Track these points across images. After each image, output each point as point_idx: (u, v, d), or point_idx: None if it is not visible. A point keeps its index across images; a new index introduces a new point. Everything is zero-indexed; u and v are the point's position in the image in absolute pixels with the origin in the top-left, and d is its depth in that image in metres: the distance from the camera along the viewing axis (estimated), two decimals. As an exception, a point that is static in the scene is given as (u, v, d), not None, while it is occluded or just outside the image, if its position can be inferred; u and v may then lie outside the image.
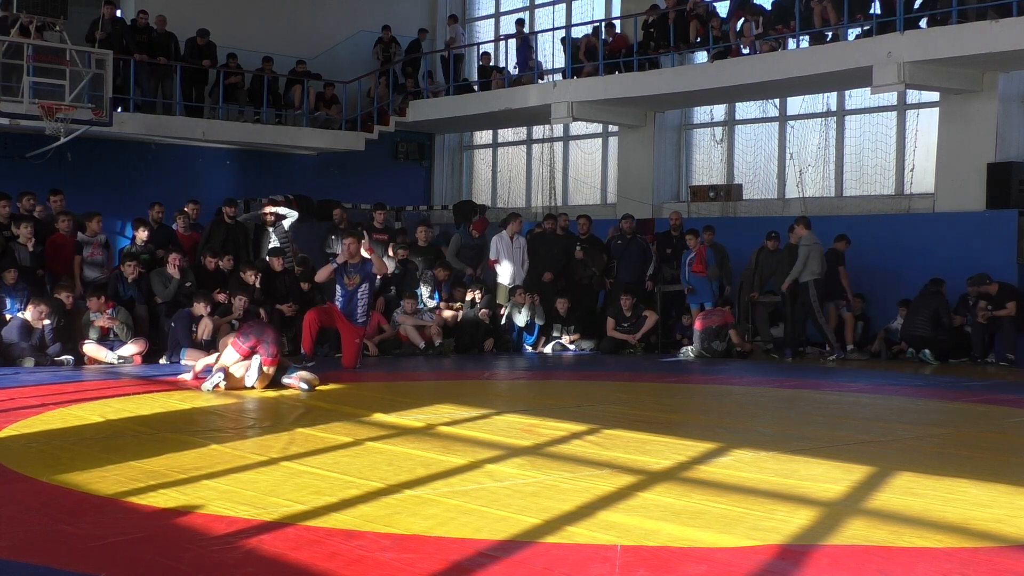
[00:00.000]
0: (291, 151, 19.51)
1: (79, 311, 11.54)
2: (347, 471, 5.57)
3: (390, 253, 14.35)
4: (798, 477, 5.56)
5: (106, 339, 11.22)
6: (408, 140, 21.17)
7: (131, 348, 11.24)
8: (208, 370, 9.28)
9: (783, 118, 17.15)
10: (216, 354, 9.54)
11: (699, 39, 16.38)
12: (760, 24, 15.61)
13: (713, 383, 10.83)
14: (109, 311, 11.26)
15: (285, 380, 9.15)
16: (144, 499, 4.89)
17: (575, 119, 17.65)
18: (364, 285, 11.29)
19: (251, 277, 12.15)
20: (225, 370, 8.99)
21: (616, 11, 19.16)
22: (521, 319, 14.00)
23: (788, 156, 16.94)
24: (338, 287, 11.29)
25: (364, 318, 11.49)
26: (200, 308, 11.39)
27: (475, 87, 19.94)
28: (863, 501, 5.03)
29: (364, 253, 11.40)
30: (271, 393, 8.84)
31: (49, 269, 12.09)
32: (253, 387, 8.97)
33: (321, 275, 11.50)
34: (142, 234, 12.76)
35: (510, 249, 14.37)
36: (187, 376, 9.63)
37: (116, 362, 11.05)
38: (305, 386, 9.07)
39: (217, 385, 8.89)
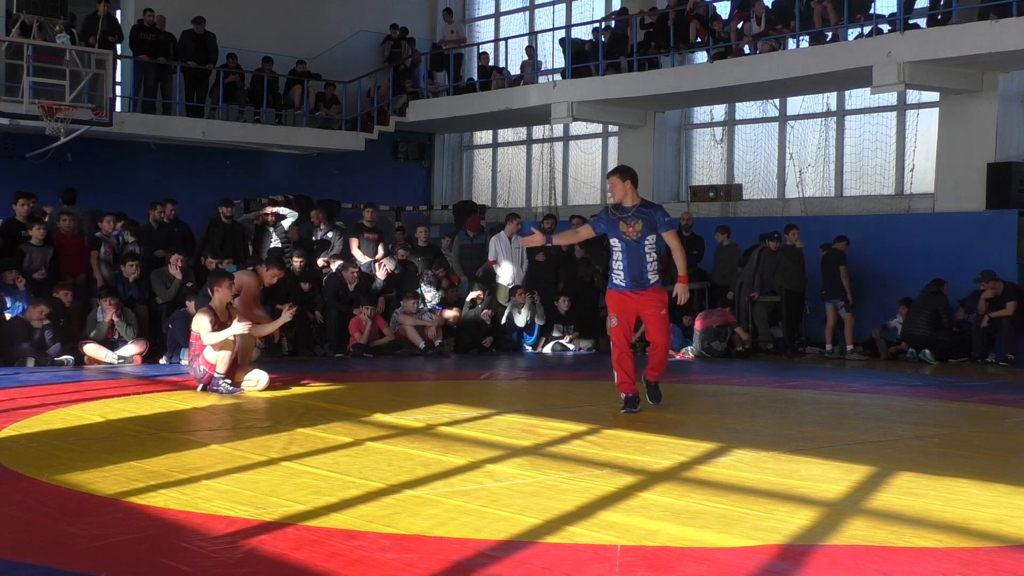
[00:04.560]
0: (291, 151, 19.51)
1: (79, 311, 11.54)
2: (347, 471, 5.56)
3: (380, 251, 14.30)
4: (798, 477, 5.56)
5: (110, 339, 11.22)
6: (408, 140, 21.17)
7: (131, 348, 11.25)
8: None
9: (783, 118, 17.15)
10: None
11: (699, 39, 16.38)
12: (761, 21, 15.59)
13: (713, 383, 10.83)
14: (117, 310, 11.24)
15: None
16: (144, 499, 4.88)
17: (575, 119, 17.65)
18: (651, 236, 7.95)
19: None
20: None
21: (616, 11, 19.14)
22: (521, 319, 13.99)
23: (788, 156, 16.93)
24: (614, 249, 8.00)
25: (656, 276, 7.93)
26: (192, 307, 11.37)
27: (475, 87, 19.95)
28: (863, 501, 5.03)
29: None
30: (271, 393, 8.83)
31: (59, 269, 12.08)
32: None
33: (580, 234, 8.66)
34: (128, 237, 12.80)
35: (509, 250, 14.35)
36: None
37: (116, 362, 11.06)
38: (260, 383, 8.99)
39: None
